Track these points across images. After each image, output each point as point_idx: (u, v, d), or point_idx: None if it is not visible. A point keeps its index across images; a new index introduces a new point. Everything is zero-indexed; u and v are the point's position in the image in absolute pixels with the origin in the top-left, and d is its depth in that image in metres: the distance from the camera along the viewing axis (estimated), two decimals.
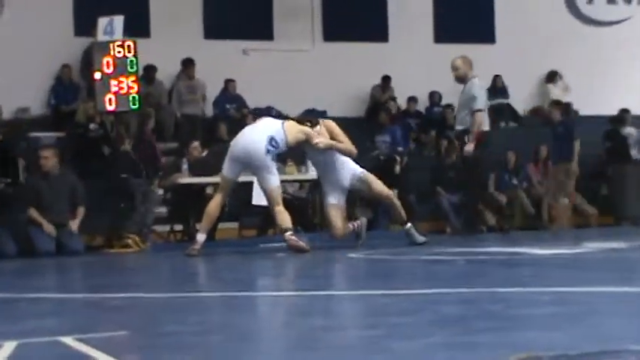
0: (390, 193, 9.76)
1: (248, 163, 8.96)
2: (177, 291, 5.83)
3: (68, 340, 3.39)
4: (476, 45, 17.40)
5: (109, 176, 12.49)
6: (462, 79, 10.96)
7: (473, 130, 10.68)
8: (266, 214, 11.96)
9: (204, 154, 12.21)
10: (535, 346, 2.98)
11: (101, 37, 12.00)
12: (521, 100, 17.58)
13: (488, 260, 7.74)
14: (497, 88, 17.24)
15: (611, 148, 15.17)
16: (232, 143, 9.08)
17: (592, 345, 2.98)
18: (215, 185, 10.52)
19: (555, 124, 13.80)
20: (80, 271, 8.78)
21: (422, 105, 16.93)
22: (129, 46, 11.85)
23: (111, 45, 11.82)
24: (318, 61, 16.57)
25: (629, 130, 15.08)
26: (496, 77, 17.23)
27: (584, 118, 17.18)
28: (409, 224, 9.67)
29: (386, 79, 16.68)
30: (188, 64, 15.33)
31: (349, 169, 9.48)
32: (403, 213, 9.67)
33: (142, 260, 9.62)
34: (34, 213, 10.84)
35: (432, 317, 3.80)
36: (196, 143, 12.39)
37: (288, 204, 12.32)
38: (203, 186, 11.77)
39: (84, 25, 14.07)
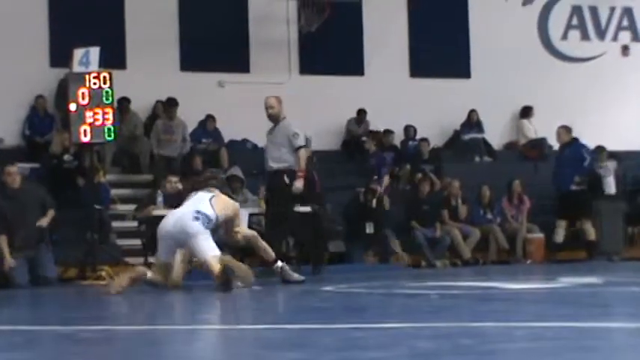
0: (247, 236, 9.21)
1: (178, 236, 8.48)
2: (152, 324, 5.79)
3: None
4: (451, 79, 17.56)
5: (83, 207, 12.42)
6: (275, 119, 10.92)
7: (300, 167, 10.60)
8: (241, 247, 11.93)
9: (180, 186, 12.16)
10: None
11: (77, 68, 11.97)
12: (496, 134, 17.69)
13: (463, 295, 7.75)
14: (472, 123, 17.34)
15: (586, 184, 15.25)
16: (160, 225, 8.70)
17: None
18: None
19: (370, 154, 13.86)
20: (53, 303, 8.70)
21: (397, 139, 16.99)
22: (105, 77, 11.83)
23: (86, 76, 11.80)
24: (294, 93, 16.52)
25: (605, 166, 15.18)
26: (471, 112, 17.32)
27: None
28: (280, 262, 9.31)
29: (361, 113, 16.75)
30: (170, 104, 15.03)
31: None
32: (270, 252, 9.26)
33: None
34: (2, 242, 10.61)
35: (407, 352, 3.80)
36: (175, 178, 12.30)
37: (262, 237, 12.39)
38: None
39: (59, 55, 14.05)
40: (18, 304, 8.74)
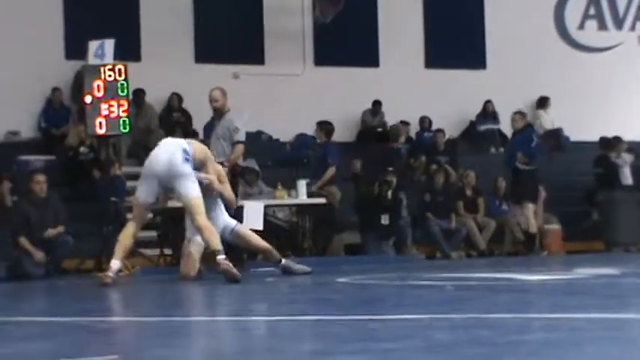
0: (267, 247, 9.33)
1: (167, 177, 8.52)
2: (166, 315, 5.80)
3: None
4: (467, 70, 17.50)
5: (99, 200, 12.46)
6: (219, 112, 10.76)
7: (231, 160, 10.46)
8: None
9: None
10: None
11: (92, 60, 11.98)
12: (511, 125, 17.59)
13: (478, 286, 7.73)
14: (487, 114, 17.28)
15: (601, 174, 15.21)
16: (146, 165, 8.74)
17: None
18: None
19: (316, 146, 13.72)
20: (69, 294, 8.73)
21: (412, 130, 16.95)
22: (120, 69, 11.84)
23: (102, 68, 11.81)
24: (309, 85, 16.59)
25: (621, 157, 15.11)
26: (487, 103, 17.26)
27: (575, 144, 17.24)
28: (283, 260, 9.37)
29: (376, 104, 16.72)
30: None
31: (223, 220, 9.13)
32: (276, 253, 9.35)
33: (131, 284, 9.57)
34: (24, 242, 10.83)
35: (423, 343, 3.78)
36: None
37: (277, 228, 12.40)
38: None
39: (75, 48, 14.07)
40: (33, 295, 8.78)
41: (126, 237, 8.76)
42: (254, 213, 10.92)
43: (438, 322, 4.58)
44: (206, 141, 10.55)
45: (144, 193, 8.71)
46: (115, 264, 8.67)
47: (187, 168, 8.51)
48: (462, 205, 14.48)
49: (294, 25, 16.64)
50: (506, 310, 5.17)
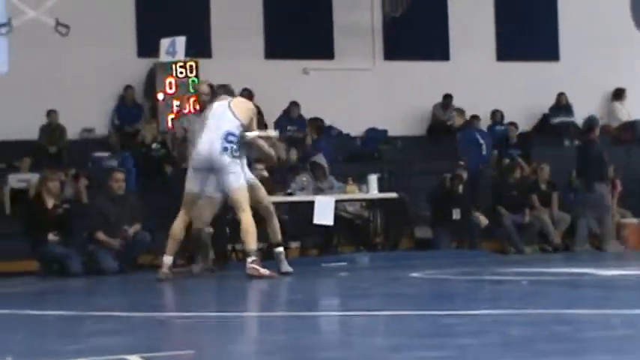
0: (270, 207, 9.16)
1: (209, 170, 8.59)
2: (241, 310, 5.82)
3: (134, 359, 3.40)
4: (539, 63, 17.25)
5: (172, 195, 12.58)
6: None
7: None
8: (328, 233, 11.92)
9: (265, 173, 12.18)
10: None
11: (164, 57, 12.13)
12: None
13: (553, 281, 7.61)
14: (561, 106, 17.02)
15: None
16: (195, 157, 8.76)
17: None
18: (275, 204, 10.53)
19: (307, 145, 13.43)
20: (144, 289, 8.83)
21: (484, 124, 16.76)
22: (191, 66, 11.97)
23: (173, 66, 11.95)
24: (379, 80, 16.53)
25: None
26: (560, 95, 17.00)
27: None
28: (281, 248, 9.16)
29: (447, 98, 16.58)
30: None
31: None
32: (278, 234, 9.16)
33: (206, 279, 9.65)
34: (101, 236, 11.02)
35: (499, 339, 3.73)
36: (260, 165, 12.34)
37: (349, 223, 12.38)
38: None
39: (147, 46, 14.24)
40: (109, 290, 8.90)
41: (177, 230, 8.85)
42: (324, 208, 10.92)
43: (515, 318, 4.51)
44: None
45: (189, 182, 8.80)
46: (167, 259, 8.76)
47: (226, 158, 8.46)
48: (536, 199, 14.27)
49: (363, 19, 16.60)
50: (584, 305, 5.08)
